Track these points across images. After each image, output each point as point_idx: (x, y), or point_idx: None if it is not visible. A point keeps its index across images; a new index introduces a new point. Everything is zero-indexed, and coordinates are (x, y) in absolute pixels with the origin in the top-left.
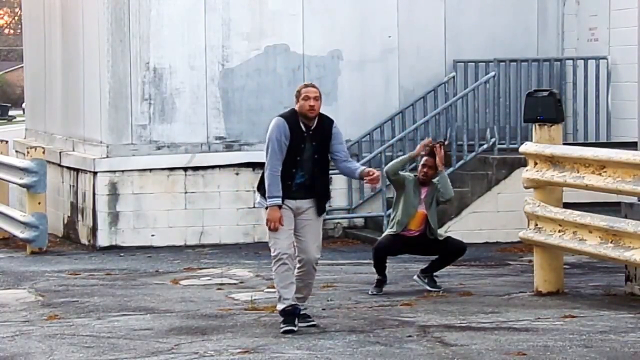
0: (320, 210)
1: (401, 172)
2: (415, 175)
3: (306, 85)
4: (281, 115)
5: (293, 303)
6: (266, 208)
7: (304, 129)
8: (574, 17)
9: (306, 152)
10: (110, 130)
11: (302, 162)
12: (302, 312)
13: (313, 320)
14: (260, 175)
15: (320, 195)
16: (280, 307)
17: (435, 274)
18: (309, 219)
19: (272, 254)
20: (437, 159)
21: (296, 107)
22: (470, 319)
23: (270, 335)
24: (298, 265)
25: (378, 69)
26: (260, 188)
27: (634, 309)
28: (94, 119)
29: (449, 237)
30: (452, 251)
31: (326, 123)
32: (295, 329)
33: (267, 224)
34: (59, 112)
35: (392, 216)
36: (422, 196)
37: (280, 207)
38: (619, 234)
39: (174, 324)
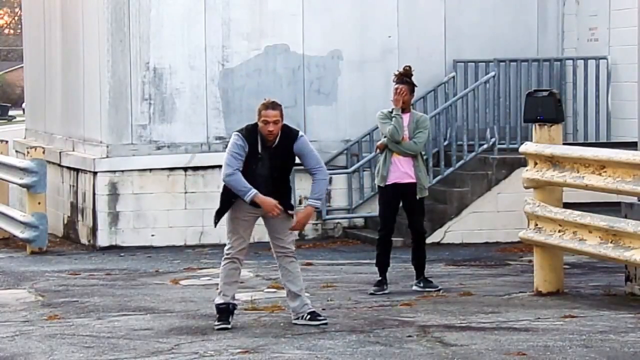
0: (287, 206)
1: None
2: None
3: (266, 107)
4: (240, 131)
5: (231, 302)
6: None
7: (260, 148)
8: (574, 17)
9: (262, 168)
10: (110, 130)
11: (258, 176)
12: (312, 310)
13: (325, 320)
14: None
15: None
16: (218, 300)
17: (427, 276)
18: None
19: (225, 251)
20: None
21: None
22: (470, 319)
23: (270, 335)
24: (280, 263)
25: (378, 69)
26: (218, 213)
27: (634, 309)
28: (94, 119)
29: (418, 217)
30: (414, 239)
31: (288, 140)
32: (229, 326)
33: (270, 212)
34: (59, 112)
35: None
36: (404, 124)
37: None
38: (619, 234)
39: (174, 324)
